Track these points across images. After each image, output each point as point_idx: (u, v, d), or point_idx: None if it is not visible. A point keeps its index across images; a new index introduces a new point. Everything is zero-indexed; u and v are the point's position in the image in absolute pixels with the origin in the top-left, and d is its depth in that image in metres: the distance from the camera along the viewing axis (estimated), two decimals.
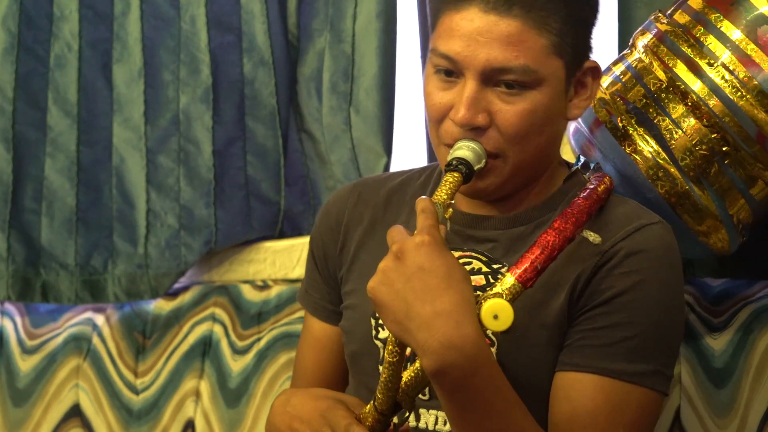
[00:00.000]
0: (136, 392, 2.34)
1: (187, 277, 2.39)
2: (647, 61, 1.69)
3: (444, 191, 1.47)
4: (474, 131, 1.50)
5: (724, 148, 1.65)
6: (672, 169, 1.66)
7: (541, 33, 1.48)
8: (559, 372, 1.50)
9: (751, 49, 1.62)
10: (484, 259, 1.58)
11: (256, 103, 2.33)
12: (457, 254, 1.58)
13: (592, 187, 1.55)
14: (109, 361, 2.36)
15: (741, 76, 1.62)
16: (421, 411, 1.58)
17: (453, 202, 1.47)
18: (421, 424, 1.58)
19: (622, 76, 1.72)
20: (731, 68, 1.62)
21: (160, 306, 2.38)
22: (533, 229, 1.57)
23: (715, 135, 1.64)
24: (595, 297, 1.49)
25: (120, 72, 2.36)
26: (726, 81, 1.62)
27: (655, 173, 1.67)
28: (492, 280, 1.55)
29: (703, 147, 1.65)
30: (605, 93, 1.72)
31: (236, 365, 2.28)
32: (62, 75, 2.38)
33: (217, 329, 2.32)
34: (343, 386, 1.73)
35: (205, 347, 2.32)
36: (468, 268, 1.57)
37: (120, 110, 2.37)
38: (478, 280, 1.56)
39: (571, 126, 1.80)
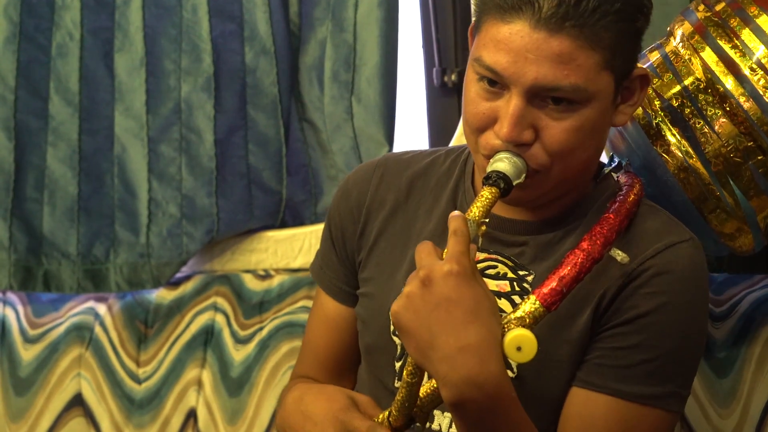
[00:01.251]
0: (138, 381, 2.34)
1: (188, 267, 2.39)
2: (684, 54, 1.64)
3: (478, 207, 1.41)
4: (518, 147, 1.45)
5: (759, 157, 1.61)
6: (703, 173, 1.63)
7: (594, 50, 1.41)
8: (575, 388, 1.48)
9: None
10: (510, 264, 1.55)
11: (257, 92, 2.32)
12: (482, 256, 1.56)
13: (621, 197, 1.50)
14: (111, 350, 2.36)
15: None
16: (436, 413, 1.57)
17: (488, 220, 1.42)
18: (435, 426, 1.57)
19: (658, 69, 1.67)
20: (760, 58, 1.58)
21: (162, 295, 2.38)
22: (563, 236, 1.53)
23: (750, 143, 1.60)
24: (619, 315, 1.47)
25: (121, 61, 2.36)
26: (764, 85, 1.58)
27: (686, 176, 1.63)
28: (517, 288, 1.52)
29: (738, 154, 1.61)
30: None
31: (238, 355, 2.28)
32: (64, 64, 2.37)
33: (219, 319, 2.32)
34: (355, 367, 1.72)
35: (207, 337, 2.32)
36: (493, 271, 1.55)
37: (121, 99, 2.36)
38: (503, 285, 1.54)
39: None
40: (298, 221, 2.39)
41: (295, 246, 2.33)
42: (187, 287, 2.37)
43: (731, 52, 1.60)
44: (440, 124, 2.43)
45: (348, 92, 2.27)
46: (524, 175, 1.45)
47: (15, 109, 2.38)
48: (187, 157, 2.34)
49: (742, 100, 1.59)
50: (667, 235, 1.49)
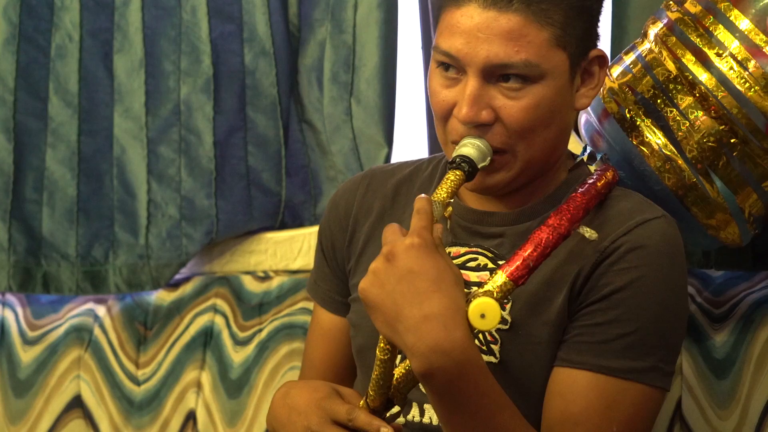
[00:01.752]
0: (138, 383, 2.34)
1: (188, 268, 2.38)
2: (657, 51, 1.67)
3: (444, 189, 1.45)
4: (479, 128, 1.49)
5: (732, 140, 1.63)
6: (679, 161, 1.65)
7: (543, 26, 1.46)
8: (555, 367, 1.49)
9: (760, 39, 1.59)
10: (490, 255, 1.57)
11: (257, 94, 2.32)
12: (463, 249, 1.58)
13: (591, 181, 1.53)
14: (111, 352, 2.36)
15: (750, 66, 1.59)
16: (426, 406, 1.58)
17: (452, 200, 1.46)
18: (425, 419, 1.58)
19: (632, 66, 1.70)
20: (739, 59, 1.60)
21: (161, 297, 2.38)
22: (539, 224, 1.53)
23: (723, 127, 1.62)
24: (594, 293, 1.48)
25: (121, 62, 2.36)
26: (734, 72, 1.60)
27: (662, 165, 1.65)
28: None
29: (711, 139, 1.63)
30: (615, 83, 1.70)
31: (237, 356, 2.28)
32: (63, 65, 2.37)
33: (219, 320, 2.32)
34: (352, 378, 1.73)
35: (207, 338, 2.32)
36: (474, 264, 1.57)
37: (121, 100, 2.36)
38: (483, 276, 1.55)
39: (582, 117, 1.79)
40: (298, 222, 2.39)
41: (295, 247, 2.33)
42: (187, 289, 2.37)
43: (698, 41, 1.63)
44: None
45: (347, 93, 2.27)
46: (489, 158, 1.49)
47: (14, 110, 2.38)
48: (187, 159, 2.34)
49: (710, 84, 1.61)
50: (640, 213, 1.51)
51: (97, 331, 2.38)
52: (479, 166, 1.48)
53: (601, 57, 1.54)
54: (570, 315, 1.50)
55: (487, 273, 1.55)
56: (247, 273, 2.36)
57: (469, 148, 1.48)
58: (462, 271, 1.52)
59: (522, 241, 1.52)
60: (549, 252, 1.45)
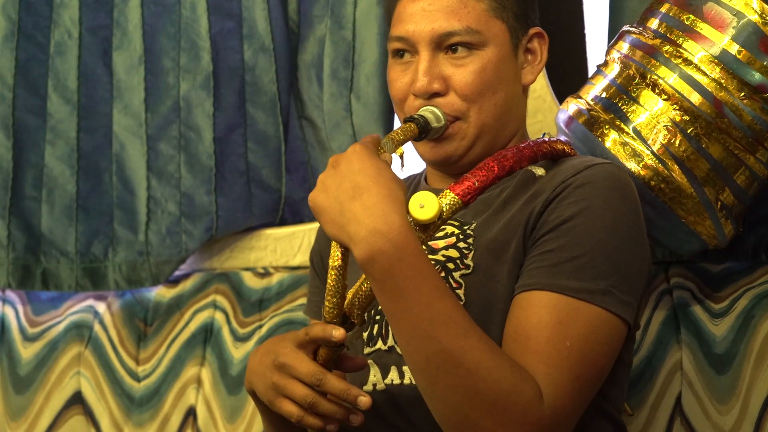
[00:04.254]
0: (138, 379, 2.34)
1: (188, 265, 2.39)
2: (619, 66, 1.77)
3: (395, 132, 1.57)
4: (433, 99, 1.64)
5: (685, 118, 1.70)
6: (638, 145, 1.71)
7: None
8: (514, 297, 1.53)
9: (700, 26, 1.70)
10: (456, 223, 1.64)
11: (256, 90, 2.32)
12: None
13: (545, 139, 1.65)
14: (111, 348, 2.36)
15: (694, 51, 1.70)
16: (405, 368, 1.59)
17: (402, 141, 1.57)
18: (406, 381, 1.59)
19: (592, 79, 1.82)
20: (685, 45, 1.71)
21: (161, 293, 2.38)
22: (499, 192, 1.64)
23: (674, 107, 1.70)
24: (545, 226, 1.54)
25: (120, 59, 2.36)
26: (680, 57, 1.70)
27: (623, 151, 1.72)
28: (461, 236, 1.61)
29: (670, 124, 1.70)
30: (584, 101, 1.79)
31: (237, 352, 2.28)
32: (62, 62, 2.37)
33: (219, 316, 2.32)
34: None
35: (207, 334, 2.32)
36: (441, 233, 1.63)
37: (120, 97, 2.37)
38: (450, 240, 1.62)
39: (559, 135, 1.81)
40: (298, 219, 2.39)
41: (295, 243, 2.33)
42: (187, 285, 2.37)
43: (646, 39, 1.74)
44: None
45: (347, 90, 2.27)
46: (444, 122, 1.63)
47: (13, 107, 2.38)
48: (186, 155, 2.34)
49: (665, 75, 1.71)
50: (591, 161, 1.60)
51: (97, 328, 2.38)
52: (432, 126, 1.61)
53: (540, 34, 1.71)
54: (525, 250, 1.56)
55: (453, 238, 1.62)
56: (247, 269, 2.36)
57: (424, 111, 1.63)
58: (431, 242, 1.61)
59: (483, 206, 1.63)
60: (494, 177, 1.55)
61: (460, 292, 1.57)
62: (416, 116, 1.61)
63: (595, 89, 1.79)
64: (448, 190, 1.51)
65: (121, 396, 2.34)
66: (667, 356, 1.89)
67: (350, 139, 2.28)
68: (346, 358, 1.53)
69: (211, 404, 2.28)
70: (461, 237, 1.62)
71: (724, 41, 1.69)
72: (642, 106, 1.73)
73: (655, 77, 1.71)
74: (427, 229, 1.48)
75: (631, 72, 1.74)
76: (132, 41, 2.34)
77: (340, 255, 1.48)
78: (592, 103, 1.77)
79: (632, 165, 1.71)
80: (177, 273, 2.38)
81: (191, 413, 2.30)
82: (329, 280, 1.49)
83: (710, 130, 1.70)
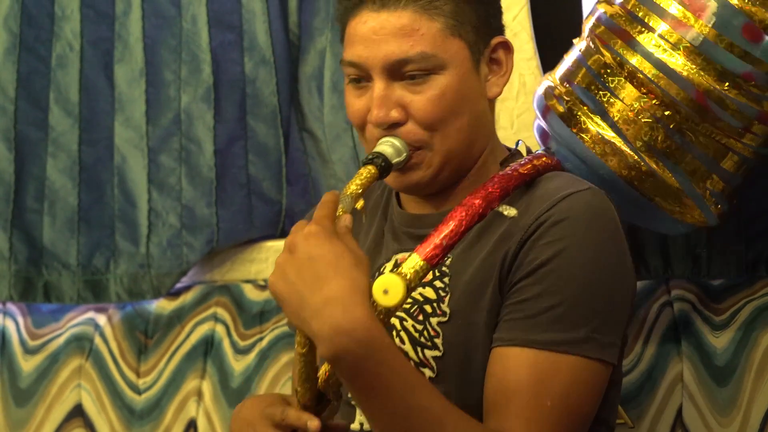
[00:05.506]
0: (139, 392, 2.34)
1: (188, 277, 2.38)
2: (591, 44, 1.69)
3: (354, 183, 1.48)
4: (393, 128, 1.54)
5: (666, 113, 1.63)
6: (618, 143, 1.65)
7: (434, 18, 1.52)
8: (491, 350, 1.48)
9: (678, 9, 1.62)
10: None
11: (257, 102, 2.33)
12: (408, 254, 1.52)
13: (515, 165, 1.54)
14: (111, 361, 2.36)
15: (672, 39, 1.62)
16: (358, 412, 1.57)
17: (361, 191, 1.48)
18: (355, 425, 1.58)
19: (570, 62, 1.72)
20: (662, 33, 1.63)
21: (162, 306, 2.38)
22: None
23: (654, 101, 1.63)
24: (521, 270, 1.48)
25: (121, 71, 2.37)
26: (659, 46, 1.63)
27: (602, 149, 1.66)
28: (437, 273, 1.55)
29: (646, 114, 1.64)
30: (554, 80, 1.72)
31: (238, 365, 2.28)
32: (64, 74, 2.38)
33: (219, 329, 2.32)
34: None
35: (207, 347, 2.32)
36: None
37: (121, 109, 2.37)
38: (427, 276, 1.54)
39: (535, 122, 1.79)
40: None
41: None
42: (187, 297, 2.37)
43: (632, 31, 1.65)
44: None
45: None
46: (405, 154, 1.53)
47: (15, 119, 2.39)
48: (187, 168, 2.34)
49: (638, 63, 1.63)
50: (566, 189, 1.51)
51: (97, 340, 2.38)
52: (393, 162, 1.51)
53: (504, 43, 1.59)
54: (502, 295, 1.50)
55: (430, 275, 1.55)
56: (248, 281, 2.36)
57: (384, 146, 1.52)
58: None
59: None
60: (464, 230, 1.45)
61: (438, 341, 1.52)
62: (375, 155, 1.51)
63: (569, 68, 1.71)
64: (415, 254, 1.43)
65: (121, 409, 2.34)
66: (667, 368, 1.88)
67: (351, 151, 2.28)
68: (326, 428, 1.47)
69: (212, 417, 2.28)
70: (437, 274, 1.55)
71: (702, 27, 1.60)
72: (620, 100, 1.64)
73: (632, 67, 1.63)
74: (394, 312, 1.41)
75: (606, 60, 1.65)
76: (133, 54, 2.35)
77: (306, 342, 1.43)
78: (565, 88, 1.69)
79: (614, 163, 1.65)
80: (178, 285, 2.38)
81: (192, 426, 2.30)
82: (298, 366, 1.44)
83: (695, 123, 1.63)
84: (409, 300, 1.53)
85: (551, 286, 1.45)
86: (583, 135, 1.66)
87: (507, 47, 1.59)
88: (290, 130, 2.36)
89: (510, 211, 1.52)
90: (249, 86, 2.32)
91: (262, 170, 2.34)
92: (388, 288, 1.37)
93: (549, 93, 1.72)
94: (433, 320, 1.53)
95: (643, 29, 1.64)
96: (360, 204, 1.51)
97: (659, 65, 1.62)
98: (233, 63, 2.33)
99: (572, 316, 1.45)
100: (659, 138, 1.64)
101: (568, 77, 1.71)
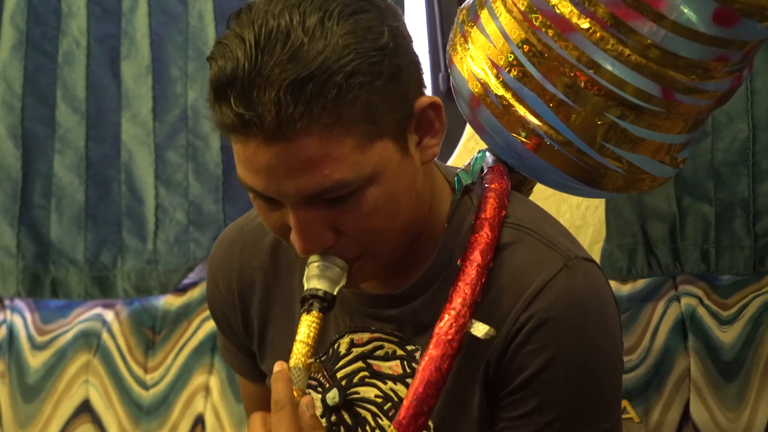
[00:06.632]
0: (146, 388, 2.35)
1: (196, 273, 2.39)
2: (516, 18, 1.44)
3: (301, 344, 1.27)
4: (326, 249, 1.28)
5: (626, 112, 1.41)
6: (566, 142, 1.43)
7: (343, 134, 1.21)
8: None
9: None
10: (395, 339, 1.39)
11: None
12: (366, 336, 1.41)
13: (471, 245, 1.32)
14: (119, 356, 2.36)
15: (633, 40, 1.38)
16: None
17: (313, 346, 1.27)
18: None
19: (491, 35, 1.47)
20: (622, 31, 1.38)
21: (169, 302, 2.38)
22: (432, 297, 1.36)
23: (612, 102, 1.40)
24: (509, 382, 1.32)
25: (128, 68, 2.37)
26: (616, 51, 1.38)
27: (538, 141, 1.44)
28: (408, 369, 1.38)
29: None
30: (478, 56, 1.48)
31: None
32: (70, 71, 2.38)
33: None
34: None
35: (214, 343, 2.32)
36: (382, 352, 1.40)
37: (128, 106, 2.37)
38: (395, 366, 1.40)
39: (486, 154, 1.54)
40: None
41: None
42: (195, 294, 2.37)
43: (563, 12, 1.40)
44: (447, 129, 2.42)
45: None
46: (345, 273, 1.29)
47: (22, 116, 2.39)
48: (194, 164, 2.34)
49: (553, 39, 1.40)
50: (537, 272, 1.31)
51: (105, 336, 2.38)
52: (335, 293, 1.28)
53: (433, 104, 1.30)
54: (491, 403, 1.35)
55: (398, 362, 1.39)
56: None
57: (316, 280, 1.28)
58: (373, 362, 1.39)
59: (421, 320, 1.36)
60: (443, 380, 1.28)
61: None
62: (312, 297, 1.27)
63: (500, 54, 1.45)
64: (393, 428, 1.27)
65: (129, 404, 2.34)
66: (675, 364, 1.89)
67: None
68: None
69: (220, 412, 2.28)
70: (408, 370, 1.38)
71: (665, 20, 1.36)
72: (579, 106, 1.41)
73: (586, 77, 1.39)
74: None
75: (558, 66, 1.40)
76: (140, 50, 2.35)
77: None
78: (495, 75, 1.44)
79: (545, 154, 1.44)
80: (185, 281, 2.39)
81: (200, 421, 2.30)
82: None
83: (657, 114, 1.41)
84: (381, 393, 1.41)
85: (545, 400, 1.31)
86: (519, 134, 1.45)
87: (437, 107, 1.30)
88: None
89: (487, 333, 1.29)
90: None
91: None
92: None
93: (473, 80, 1.48)
94: None
95: (588, 19, 1.39)
96: (316, 367, 1.32)
97: (620, 70, 1.40)
98: None
99: (575, 422, 1.32)
100: (614, 138, 1.43)
101: (493, 59, 1.46)
